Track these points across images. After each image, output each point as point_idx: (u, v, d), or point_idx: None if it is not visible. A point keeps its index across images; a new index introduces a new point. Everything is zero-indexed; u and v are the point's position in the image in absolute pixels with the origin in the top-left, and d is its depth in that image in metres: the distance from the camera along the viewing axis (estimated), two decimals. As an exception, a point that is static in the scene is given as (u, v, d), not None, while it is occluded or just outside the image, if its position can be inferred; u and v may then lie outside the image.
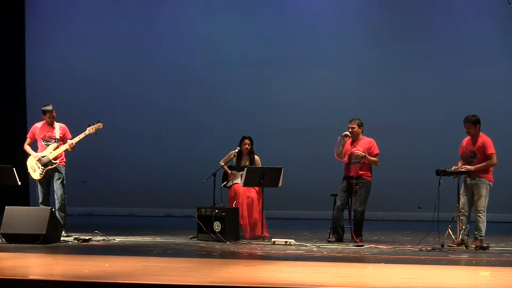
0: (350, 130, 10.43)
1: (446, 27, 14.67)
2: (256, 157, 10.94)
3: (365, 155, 10.28)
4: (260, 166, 10.80)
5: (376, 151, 10.39)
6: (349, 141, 10.45)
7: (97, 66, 15.92)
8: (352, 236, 10.28)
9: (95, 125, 10.56)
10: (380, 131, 14.39)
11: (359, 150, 10.31)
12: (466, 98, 14.04)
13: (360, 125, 10.48)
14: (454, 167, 9.70)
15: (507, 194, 13.34)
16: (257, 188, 10.69)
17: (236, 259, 8.78)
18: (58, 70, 16.08)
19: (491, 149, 9.60)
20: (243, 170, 10.53)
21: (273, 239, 10.08)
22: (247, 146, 10.89)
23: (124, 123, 15.57)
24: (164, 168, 15.50)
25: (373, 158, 10.35)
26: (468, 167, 9.55)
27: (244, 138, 10.94)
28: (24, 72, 16.07)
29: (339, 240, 10.29)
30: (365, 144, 10.40)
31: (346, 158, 10.43)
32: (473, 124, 9.69)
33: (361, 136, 10.48)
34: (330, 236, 10.40)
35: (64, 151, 10.57)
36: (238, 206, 10.53)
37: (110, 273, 7.06)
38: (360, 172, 10.33)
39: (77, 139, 10.52)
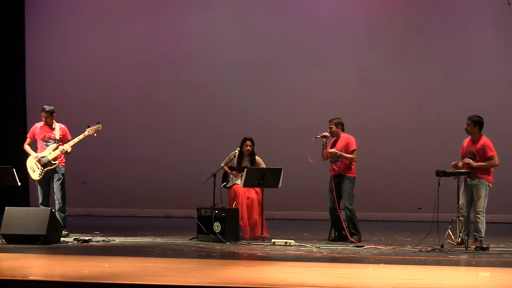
0: (328, 130, 10.51)
1: (445, 28, 14.64)
2: (258, 158, 10.92)
3: (338, 152, 10.31)
4: (264, 166, 10.80)
5: (353, 147, 10.41)
6: (332, 140, 10.55)
7: (97, 66, 15.91)
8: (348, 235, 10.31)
9: (95, 127, 10.52)
10: (380, 131, 14.50)
11: (332, 149, 10.39)
12: (466, 98, 14.01)
13: (338, 124, 10.56)
14: (453, 163, 9.68)
15: (507, 195, 13.33)
16: (257, 189, 10.67)
17: (236, 259, 8.79)
18: (58, 70, 16.07)
19: (492, 152, 9.57)
20: (244, 171, 10.51)
21: (273, 240, 10.08)
22: (248, 147, 10.86)
23: (124, 123, 15.55)
24: (164, 168, 15.48)
25: (348, 155, 10.37)
26: (471, 162, 9.53)
27: (245, 139, 10.89)
28: (24, 72, 16.05)
29: (341, 238, 10.33)
30: (342, 142, 10.48)
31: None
32: (472, 123, 9.67)
33: (341, 135, 10.53)
34: (331, 235, 10.45)
35: (63, 152, 10.57)
36: (238, 206, 10.52)
37: (110, 274, 7.07)
38: (341, 170, 10.39)
39: (76, 140, 10.51)
